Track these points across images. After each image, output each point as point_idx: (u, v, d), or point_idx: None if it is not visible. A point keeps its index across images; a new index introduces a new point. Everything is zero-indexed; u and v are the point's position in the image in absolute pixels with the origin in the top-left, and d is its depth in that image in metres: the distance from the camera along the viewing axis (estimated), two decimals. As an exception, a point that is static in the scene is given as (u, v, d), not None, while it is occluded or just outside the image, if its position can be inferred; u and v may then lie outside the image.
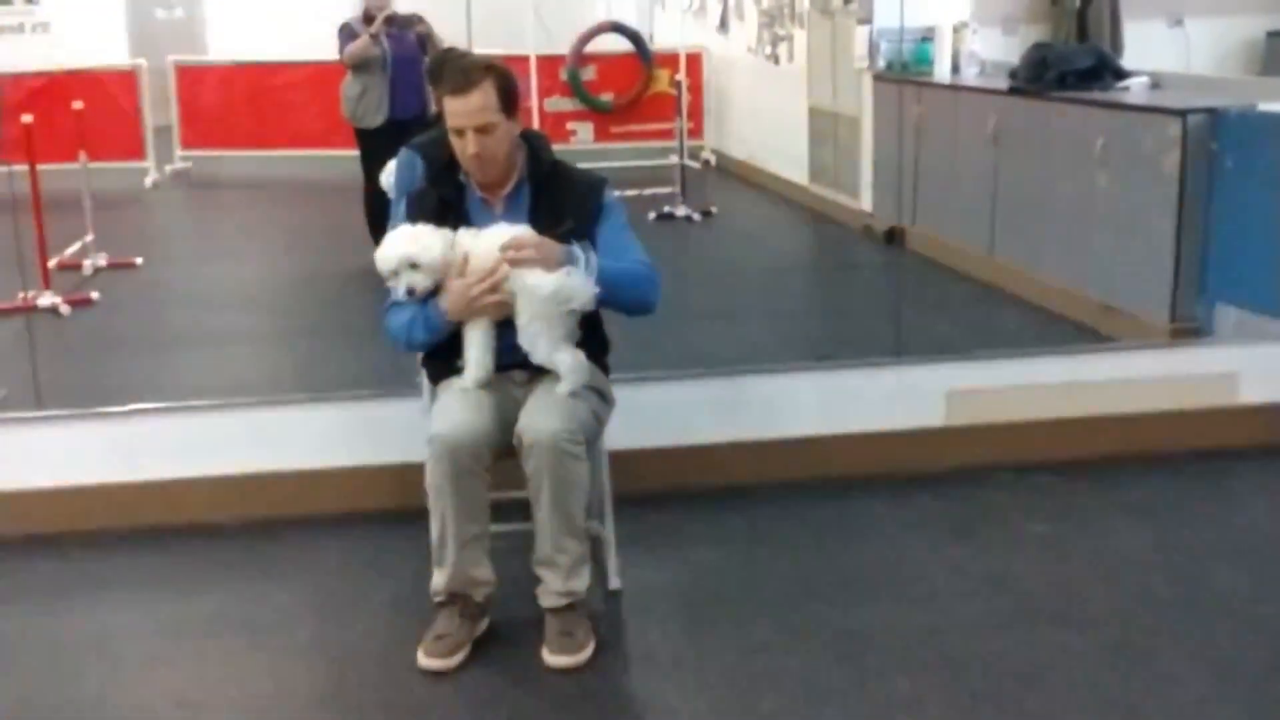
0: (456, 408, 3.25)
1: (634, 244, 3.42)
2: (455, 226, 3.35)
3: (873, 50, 8.27)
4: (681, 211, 9.09)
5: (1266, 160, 5.13)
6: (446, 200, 3.40)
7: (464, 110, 3.28)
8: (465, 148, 3.31)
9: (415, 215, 3.41)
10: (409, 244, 3.27)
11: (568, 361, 3.26)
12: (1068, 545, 3.88)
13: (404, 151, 4.28)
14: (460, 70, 3.30)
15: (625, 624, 3.47)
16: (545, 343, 3.25)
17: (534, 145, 3.47)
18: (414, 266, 3.25)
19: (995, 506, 4.17)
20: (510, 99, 3.32)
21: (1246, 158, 5.26)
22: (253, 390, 5.20)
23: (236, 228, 9.96)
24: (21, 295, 6.34)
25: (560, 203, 3.38)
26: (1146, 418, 4.52)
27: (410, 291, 3.26)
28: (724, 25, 11.70)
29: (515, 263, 3.21)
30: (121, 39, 12.04)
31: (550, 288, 3.19)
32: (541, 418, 3.19)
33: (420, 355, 3.54)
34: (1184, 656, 3.21)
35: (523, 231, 3.26)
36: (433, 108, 4.52)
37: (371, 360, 5.34)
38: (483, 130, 3.28)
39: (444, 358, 3.41)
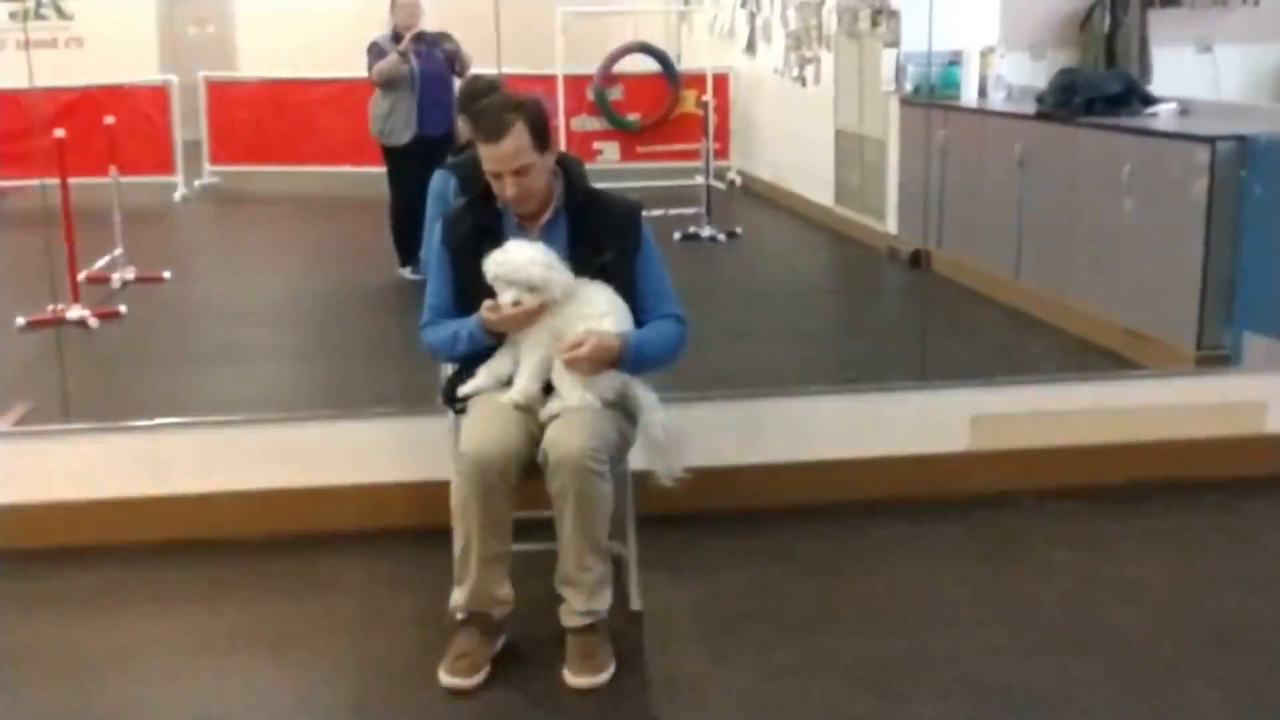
0: (486, 425, 3.26)
1: (670, 288, 3.50)
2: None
3: (900, 73, 8.27)
4: (706, 232, 9.10)
5: (1296, 188, 5.11)
6: (483, 227, 3.41)
7: (499, 156, 3.30)
8: (504, 190, 3.34)
9: (451, 241, 3.44)
10: (546, 271, 3.27)
11: (595, 405, 3.30)
12: (1091, 573, 3.86)
13: (439, 173, 4.31)
14: (491, 115, 3.32)
15: (646, 645, 3.46)
16: (576, 391, 3.30)
17: (569, 172, 3.49)
18: (533, 290, 3.26)
19: (1019, 533, 4.15)
20: (543, 135, 3.34)
21: (1275, 185, 5.24)
22: (278, 406, 5.24)
23: (264, 243, 10.02)
24: (51, 308, 6.40)
25: (598, 232, 3.40)
26: (1172, 445, 4.50)
27: (515, 303, 3.26)
28: (751, 47, 11.72)
29: (569, 363, 3.27)
30: (153, 54, 12.16)
31: (576, 403, 3.27)
32: (566, 435, 3.20)
33: (445, 379, 3.56)
34: (1209, 686, 3.19)
35: (589, 329, 3.30)
36: (461, 127, 4.54)
37: (397, 377, 5.38)
38: (520, 172, 3.31)
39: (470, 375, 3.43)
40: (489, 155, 3.32)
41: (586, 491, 3.18)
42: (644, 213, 3.50)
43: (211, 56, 13.09)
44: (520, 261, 3.27)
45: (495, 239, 3.38)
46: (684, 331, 3.48)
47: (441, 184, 4.25)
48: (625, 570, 3.60)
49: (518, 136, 3.28)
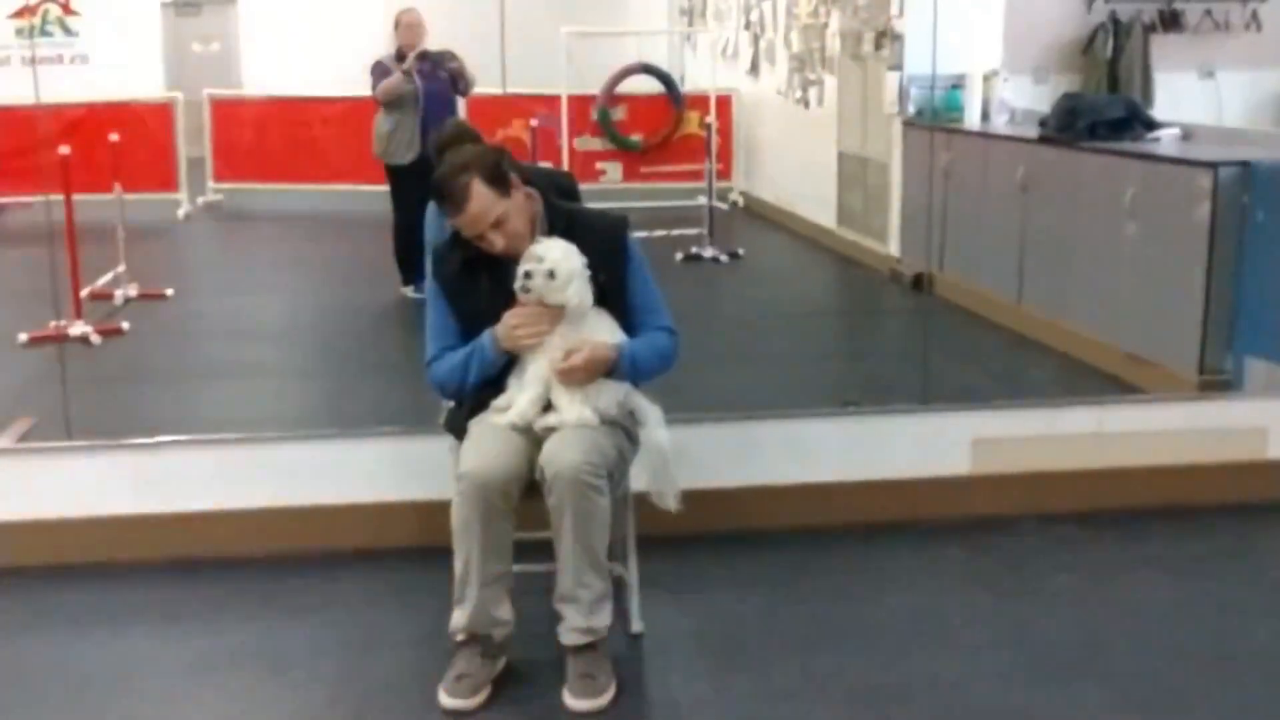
0: (487, 445, 3.25)
1: (660, 301, 3.50)
2: (487, 284, 3.38)
3: (903, 96, 8.30)
4: (709, 253, 9.12)
5: (1298, 214, 5.12)
6: (472, 260, 3.40)
7: (470, 221, 3.30)
8: (493, 245, 3.33)
9: (441, 274, 3.44)
10: (568, 264, 3.26)
11: (593, 422, 3.30)
12: (1092, 598, 3.85)
13: (433, 203, 4.29)
14: (445, 187, 3.30)
15: (647, 668, 3.46)
16: (574, 408, 3.30)
17: (546, 196, 3.48)
18: (552, 275, 3.25)
19: (1020, 557, 4.14)
20: (502, 180, 3.31)
21: (1278, 211, 5.25)
22: (280, 424, 5.23)
23: (267, 260, 10.04)
24: (53, 324, 6.40)
25: (586, 253, 3.33)
26: (1173, 470, 4.49)
27: (526, 290, 3.26)
28: (754, 68, 11.76)
29: (563, 375, 3.27)
30: (158, 72, 12.20)
31: (574, 419, 3.27)
32: (564, 450, 3.19)
33: (447, 407, 3.55)
34: (1210, 713, 3.18)
35: (583, 338, 3.30)
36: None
37: (399, 396, 5.38)
38: (497, 224, 3.30)
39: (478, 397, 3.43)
40: (462, 224, 3.32)
41: (583, 505, 3.17)
42: (645, 233, 3.50)
43: (217, 74, 13.16)
44: (550, 252, 3.26)
45: (491, 271, 3.38)
46: (675, 343, 3.48)
47: (436, 212, 4.24)
48: (626, 592, 3.60)
49: (479, 196, 3.26)
